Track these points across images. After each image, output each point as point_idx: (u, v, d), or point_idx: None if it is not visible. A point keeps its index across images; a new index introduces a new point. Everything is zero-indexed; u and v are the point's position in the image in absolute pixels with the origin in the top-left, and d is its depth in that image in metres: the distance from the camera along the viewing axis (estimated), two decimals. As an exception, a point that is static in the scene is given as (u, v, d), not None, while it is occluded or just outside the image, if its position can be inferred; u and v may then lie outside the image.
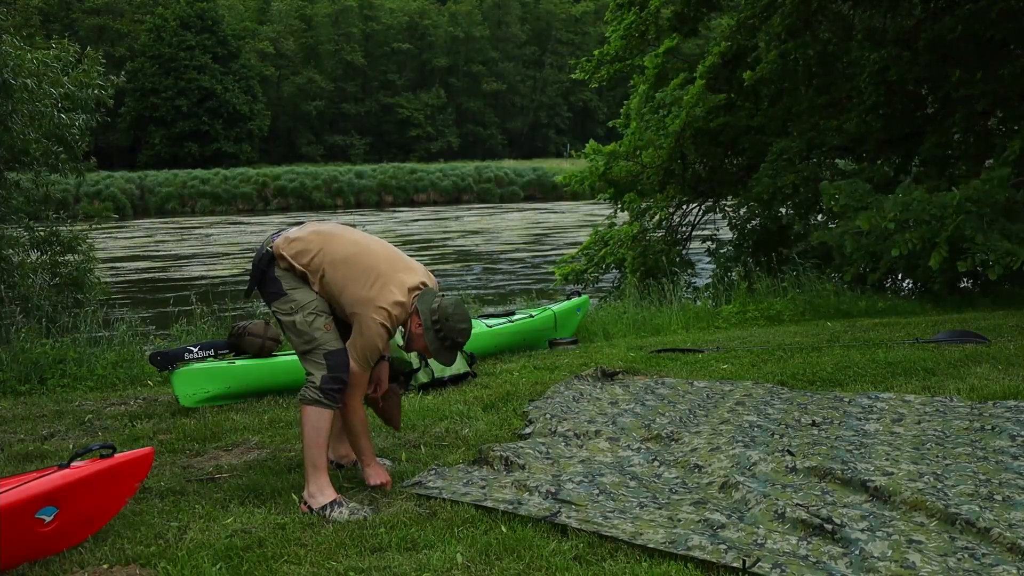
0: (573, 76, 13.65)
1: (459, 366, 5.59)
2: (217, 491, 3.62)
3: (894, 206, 8.12)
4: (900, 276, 9.19)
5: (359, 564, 2.85)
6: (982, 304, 8.51)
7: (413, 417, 4.67)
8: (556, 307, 7.15)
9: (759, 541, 2.84)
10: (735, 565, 2.69)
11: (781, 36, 10.65)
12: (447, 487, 3.49)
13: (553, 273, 13.81)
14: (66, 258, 8.97)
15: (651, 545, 2.85)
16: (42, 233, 8.82)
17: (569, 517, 3.10)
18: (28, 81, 7.70)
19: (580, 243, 14.39)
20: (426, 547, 2.96)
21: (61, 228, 8.98)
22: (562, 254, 15.81)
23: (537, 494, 3.33)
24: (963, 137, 9.86)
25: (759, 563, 2.68)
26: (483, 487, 3.45)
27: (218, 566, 2.86)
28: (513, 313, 6.87)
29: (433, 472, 3.67)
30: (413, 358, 5.43)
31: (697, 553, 2.78)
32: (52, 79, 8.05)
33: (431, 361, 5.45)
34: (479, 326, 6.27)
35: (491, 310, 8.01)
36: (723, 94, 10.99)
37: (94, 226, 9.81)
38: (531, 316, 6.75)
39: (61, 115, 8.20)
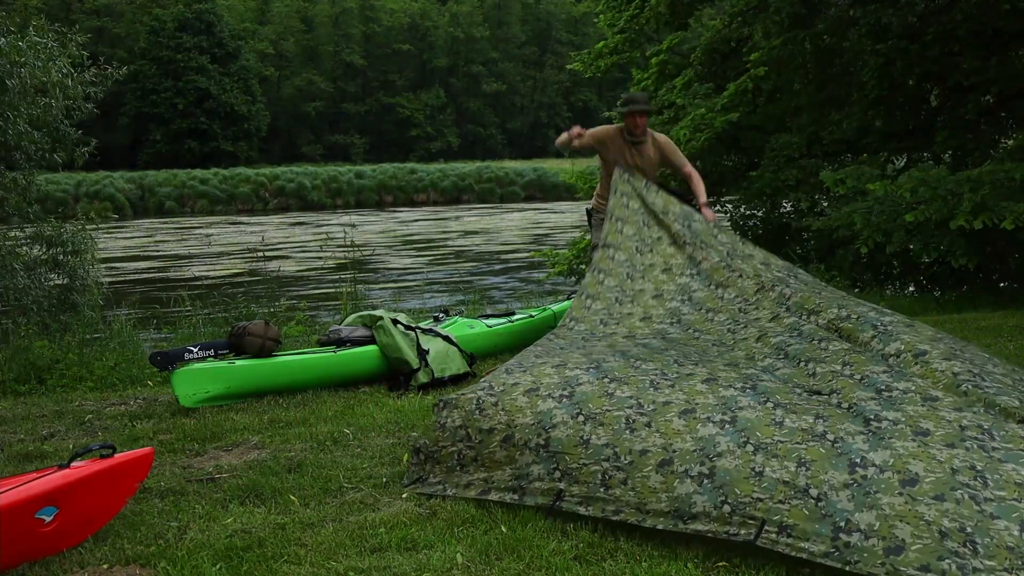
0: (570, 67, 13.58)
1: (459, 366, 5.60)
2: (217, 491, 3.62)
3: (910, 180, 8.02)
4: (915, 250, 8.83)
5: (359, 564, 2.85)
6: (983, 304, 8.51)
7: (413, 417, 4.67)
8: (556, 307, 7.14)
9: (757, 469, 2.82)
10: (741, 539, 2.69)
11: (784, 24, 10.54)
12: (448, 479, 3.46)
13: (536, 255, 13.72)
14: (66, 258, 8.95)
15: (659, 526, 2.86)
16: (46, 232, 8.81)
17: (572, 497, 3.08)
18: (23, 70, 7.64)
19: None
20: (426, 547, 2.96)
21: (61, 227, 8.96)
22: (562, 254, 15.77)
23: (550, 400, 3.32)
24: (975, 123, 9.78)
25: (765, 529, 2.67)
26: (478, 460, 3.40)
27: (218, 566, 2.86)
28: (513, 313, 6.87)
29: (423, 456, 3.58)
30: (413, 358, 5.45)
31: (702, 525, 2.78)
32: (39, 68, 7.95)
33: (431, 361, 5.46)
34: (479, 326, 6.28)
35: (491, 310, 8.01)
36: (738, 110, 10.74)
37: (97, 226, 9.73)
38: (531, 316, 6.75)
39: (52, 102, 8.12)
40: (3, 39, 7.60)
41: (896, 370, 3.34)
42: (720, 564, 2.76)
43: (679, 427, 3.06)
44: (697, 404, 3.16)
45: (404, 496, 3.46)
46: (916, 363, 3.35)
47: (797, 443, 2.87)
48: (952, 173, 8.11)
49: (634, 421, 3.14)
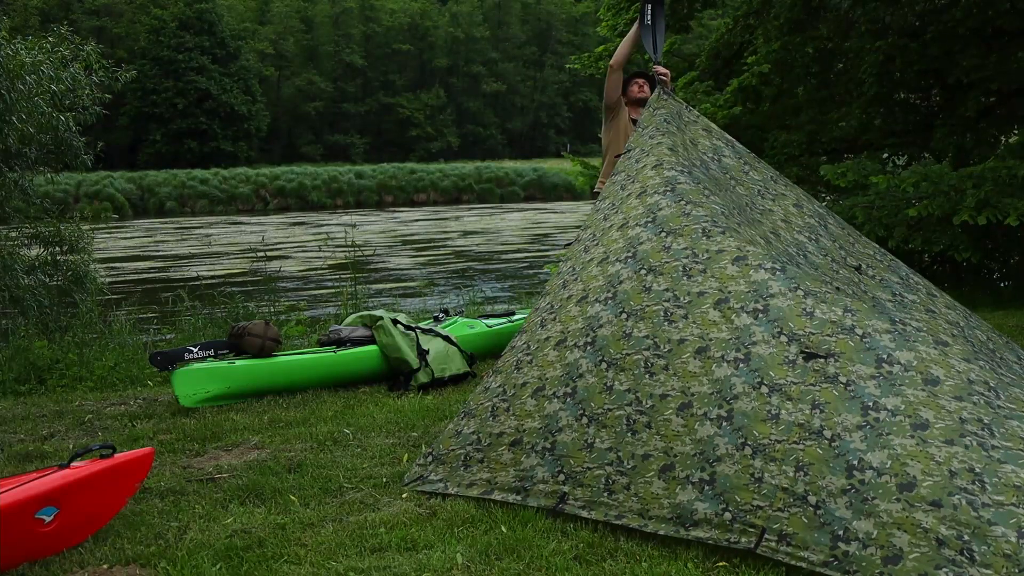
0: (569, 66, 13.60)
1: (459, 366, 5.59)
2: (217, 491, 3.62)
3: (912, 174, 8.01)
4: (916, 245, 8.71)
5: (359, 564, 2.85)
6: (983, 303, 8.51)
7: (413, 417, 4.67)
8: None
9: (757, 476, 2.81)
10: (741, 547, 2.70)
11: (783, 29, 10.56)
12: (451, 478, 3.46)
13: (548, 268, 13.76)
14: (66, 257, 8.95)
15: (660, 532, 2.86)
16: (47, 232, 8.80)
17: (576, 500, 3.09)
18: (29, 78, 7.64)
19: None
20: (426, 547, 2.96)
21: (62, 227, 8.95)
22: (563, 254, 15.75)
23: (534, 453, 3.28)
24: (976, 121, 9.77)
25: (765, 537, 2.68)
26: (484, 462, 3.40)
27: (218, 566, 2.86)
28: (513, 313, 6.86)
29: (431, 458, 3.60)
30: (413, 358, 5.44)
31: (703, 533, 2.79)
32: (47, 76, 7.94)
33: (431, 361, 5.46)
34: (479, 326, 6.28)
35: (491, 310, 8.01)
36: (739, 107, 10.71)
37: (93, 227, 9.72)
38: (531, 316, 6.74)
39: (60, 116, 8.14)
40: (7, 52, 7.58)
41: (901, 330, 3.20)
42: (720, 564, 2.76)
43: (678, 427, 3.05)
44: (694, 396, 3.09)
45: (404, 496, 3.46)
46: (926, 313, 3.80)
47: (794, 443, 2.83)
48: (954, 170, 8.10)
49: (635, 422, 3.13)
